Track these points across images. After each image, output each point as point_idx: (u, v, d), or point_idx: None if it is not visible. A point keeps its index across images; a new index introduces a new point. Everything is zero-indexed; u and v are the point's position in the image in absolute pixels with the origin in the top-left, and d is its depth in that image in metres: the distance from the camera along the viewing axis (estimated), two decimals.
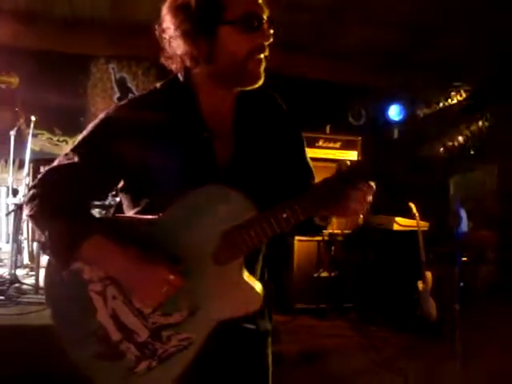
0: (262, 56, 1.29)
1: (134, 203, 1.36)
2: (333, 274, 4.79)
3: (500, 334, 4.08)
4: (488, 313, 4.54)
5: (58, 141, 5.39)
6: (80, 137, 1.33)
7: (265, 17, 1.28)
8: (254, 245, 1.24)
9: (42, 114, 4.71)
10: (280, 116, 1.46)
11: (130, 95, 5.25)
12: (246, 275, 1.28)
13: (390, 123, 5.12)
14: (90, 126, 1.33)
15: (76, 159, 1.27)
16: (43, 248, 1.27)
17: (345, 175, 1.22)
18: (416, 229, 4.30)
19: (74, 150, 1.29)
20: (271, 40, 1.28)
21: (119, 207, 1.44)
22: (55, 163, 1.31)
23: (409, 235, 4.46)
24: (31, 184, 1.32)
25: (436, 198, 5.34)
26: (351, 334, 4.35)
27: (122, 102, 1.36)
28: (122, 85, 5.39)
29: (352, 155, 4.92)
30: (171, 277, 1.21)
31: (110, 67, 5.29)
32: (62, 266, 1.26)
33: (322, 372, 3.69)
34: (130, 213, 1.38)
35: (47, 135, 5.37)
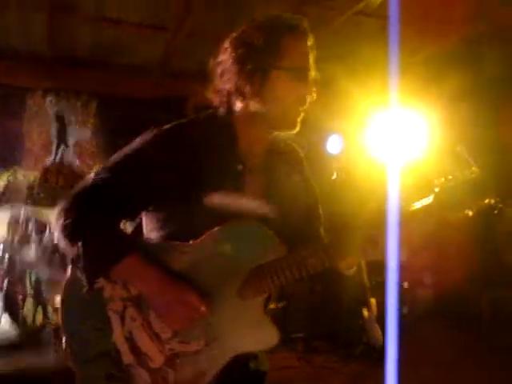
0: (303, 106, 1.37)
1: (160, 227, 1.37)
2: (280, 305, 4.79)
3: (439, 355, 4.24)
4: (427, 336, 4.69)
5: None
6: (120, 154, 1.34)
7: (312, 75, 1.36)
8: (278, 284, 1.27)
9: None
10: (302, 166, 1.56)
11: (69, 129, 5.35)
12: (264, 312, 1.32)
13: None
14: (131, 146, 1.34)
15: (114, 178, 1.29)
16: (72, 261, 1.22)
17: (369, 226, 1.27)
18: None
19: (113, 168, 1.31)
20: (314, 97, 1.37)
21: (138, 229, 1.45)
22: (92, 179, 1.31)
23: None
24: (66, 199, 1.29)
25: None
26: (300, 365, 4.35)
27: (167, 127, 1.37)
28: (59, 118, 5.24)
29: None
30: (201, 306, 1.23)
31: (48, 100, 5.15)
32: (89, 281, 1.24)
33: None
34: (153, 236, 1.38)
35: None
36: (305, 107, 1.37)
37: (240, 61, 1.32)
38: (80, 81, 5.09)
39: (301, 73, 1.33)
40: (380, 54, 3.56)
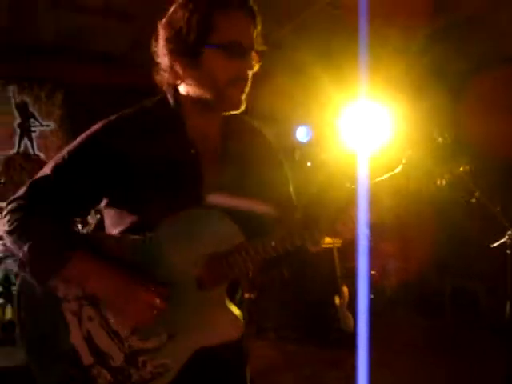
0: (243, 84, 1.29)
1: (119, 221, 1.32)
2: (252, 296, 4.80)
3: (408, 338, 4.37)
4: (394, 321, 4.83)
5: None
6: (67, 148, 1.29)
7: (252, 46, 1.29)
8: (239, 272, 1.24)
9: None
10: (265, 145, 1.48)
11: (32, 120, 5.14)
12: (228, 302, 1.27)
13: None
14: (78, 139, 1.29)
15: (60, 172, 1.25)
16: (20, 265, 1.16)
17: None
18: (331, 245, 4.46)
19: (60, 161, 1.27)
20: (255, 70, 1.30)
21: (100, 225, 1.39)
22: (39, 175, 1.27)
23: (324, 251, 4.61)
24: (12, 197, 1.26)
25: None
26: (273, 354, 4.38)
27: (111, 118, 1.32)
28: (23, 109, 5.05)
29: None
30: (156, 300, 1.19)
31: (10, 89, 4.96)
32: (40, 283, 1.19)
33: None
34: (113, 231, 1.33)
35: None
36: (247, 84, 1.30)
37: (169, 41, 1.28)
38: (44, 70, 4.91)
39: (235, 48, 1.25)
40: (350, 45, 3.63)
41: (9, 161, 4.39)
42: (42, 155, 5.08)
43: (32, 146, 5.13)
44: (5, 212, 1.24)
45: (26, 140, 5.12)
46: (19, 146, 5.07)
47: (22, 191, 1.26)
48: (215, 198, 1.30)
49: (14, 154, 4.64)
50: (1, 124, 5.01)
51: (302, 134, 5.29)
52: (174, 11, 1.29)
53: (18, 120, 5.10)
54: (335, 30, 4.44)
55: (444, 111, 4.44)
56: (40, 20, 4.37)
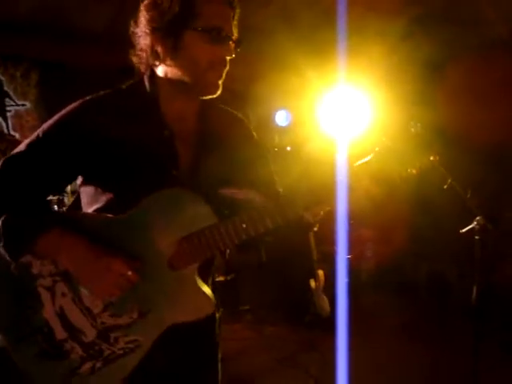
0: (221, 68, 1.33)
1: (94, 200, 1.33)
2: (229, 278, 4.84)
3: (383, 321, 4.47)
4: (371, 303, 4.94)
5: None
6: (42, 127, 1.30)
7: (232, 33, 1.33)
8: (210, 253, 1.26)
9: None
10: (243, 129, 1.51)
11: (7, 100, 5.04)
12: (199, 281, 1.29)
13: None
14: (53, 118, 1.31)
15: (34, 149, 1.27)
16: None
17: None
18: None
19: (34, 139, 1.28)
20: (233, 55, 1.33)
21: (76, 204, 1.40)
22: (13, 152, 1.29)
23: (300, 234, 4.65)
24: None
25: None
26: (250, 336, 4.44)
27: (87, 98, 1.34)
28: None
29: None
30: (128, 271, 1.20)
31: None
32: (13, 259, 1.21)
33: (225, 376, 3.71)
34: (89, 209, 1.34)
35: None
36: (224, 70, 1.34)
37: (152, 22, 1.30)
38: (20, 47, 4.76)
39: (215, 33, 1.29)
40: (330, 30, 3.63)
41: None
42: (16, 135, 4.98)
43: (7, 126, 5.03)
44: None
45: (0, 119, 5.03)
46: None
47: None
48: (189, 178, 1.32)
49: None
50: None
51: (281, 118, 5.30)
52: None
53: None
54: (316, 14, 4.44)
55: (421, 98, 4.50)
56: None
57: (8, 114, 5.05)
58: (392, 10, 4.36)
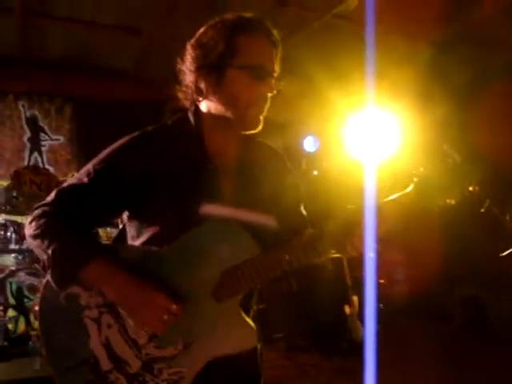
0: (262, 105, 1.35)
1: (139, 233, 1.36)
2: (260, 307, 4.80)
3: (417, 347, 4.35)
4: (404, 329, 4.82)
5: None
6: (93, 161, 1.35)
7: (273, 71, 1.36)
8: (253, 284, 1.27)
9: None
10: (281, 162, 1.54)
11: (42, 135, 5.18)
12: (242, 313, 1.29)
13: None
14: (103, 153, 1.36)
15: (86, 183, 1.31)
16: (43, 268, 1.24)
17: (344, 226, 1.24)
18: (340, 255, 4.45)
19: (86, 173, 1.33)
20: (275, 92, 1.36)
21: (121, 236, 1.43)
22: (65, 185, 1.34)
23: (333, 261, 4.61)
24: (39, 203, 1.33)
25: None
26: (285, 364, 4.38)
27: (135, 134, 1.38)
28: (32, 123, 5.11)
29: None
30: (172, 305, 1.21)
31: (20, 104, 5.01)
32: (61, 287, 1.24)
33: None
34: (134, 243, 1.37)
35: None
36: (265, 106, 1.36)
37: (197, 60, 1.34)
38: (54, 84, 4.97)
39: (257, 71, 1.31)
40: (357, 56, 3.65)
41: (19, 175, 4.42)
42: (51, 169, 5.12)
43: (42, 160, 5.18)
44: (31, 217, 1.30)
45: (35, 154, 5.18)
46: (29, 159, 5.13)
47: (49, 198, 1.33)
48: (232, 213, 1.33)
49: (24, 168, 4.67)
50: (11, 138, 5.07)
51: (309, 144, 5.33)
52: (204, 32, 1.37)
53: (28, 134, 5.16)
54: (342, 40, 4.47)
55: (452, 122, 4.45)
56: (49, 35, 4.43)
57: (43, 149, 5.20)
58: (421, 32, 4.37)
